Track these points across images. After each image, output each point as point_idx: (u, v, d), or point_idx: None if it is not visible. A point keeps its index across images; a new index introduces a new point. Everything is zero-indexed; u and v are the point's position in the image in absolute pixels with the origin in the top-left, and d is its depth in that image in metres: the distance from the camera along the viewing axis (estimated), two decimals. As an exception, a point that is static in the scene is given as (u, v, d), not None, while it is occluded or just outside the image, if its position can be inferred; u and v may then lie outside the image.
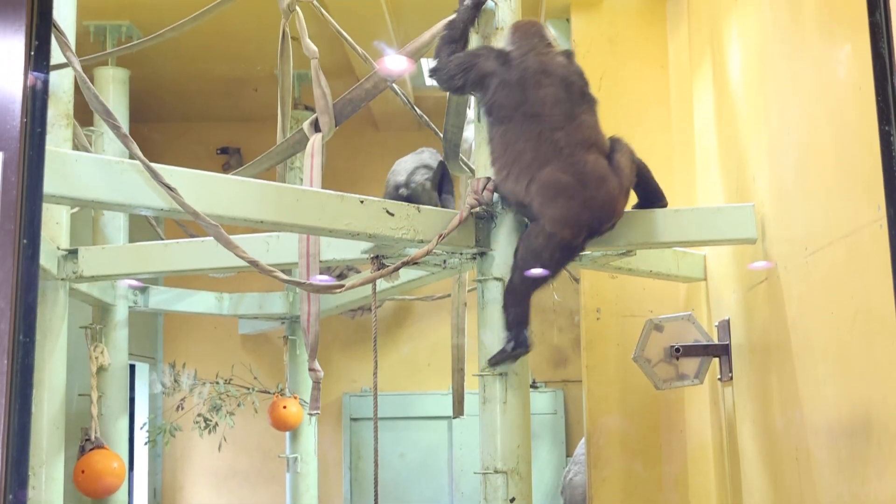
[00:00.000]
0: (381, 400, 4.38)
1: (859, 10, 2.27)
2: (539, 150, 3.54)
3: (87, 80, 3.52)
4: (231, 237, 3.37)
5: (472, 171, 4.49)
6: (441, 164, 5.40)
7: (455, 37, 3.74)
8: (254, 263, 3.37)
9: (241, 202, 3.38)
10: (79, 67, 3.52)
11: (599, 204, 3.58)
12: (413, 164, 5.29)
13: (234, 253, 3.33)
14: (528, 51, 3.67)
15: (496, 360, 3.69)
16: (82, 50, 5.29)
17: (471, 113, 4.42)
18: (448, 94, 4.30)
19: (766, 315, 3.81)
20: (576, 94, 3.64)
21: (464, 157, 4.80)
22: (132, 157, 3.27)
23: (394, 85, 4.45)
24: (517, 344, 3.67)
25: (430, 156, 5.42)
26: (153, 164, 3.18)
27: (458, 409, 5.15)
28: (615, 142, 3.72)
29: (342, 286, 3.60)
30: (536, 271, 3.63)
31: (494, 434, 3.73)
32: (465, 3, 3.79)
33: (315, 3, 4.28)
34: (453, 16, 3.86)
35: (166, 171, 3.21)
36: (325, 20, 4.39)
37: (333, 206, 3.52)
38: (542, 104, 3.57)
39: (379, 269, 4.05)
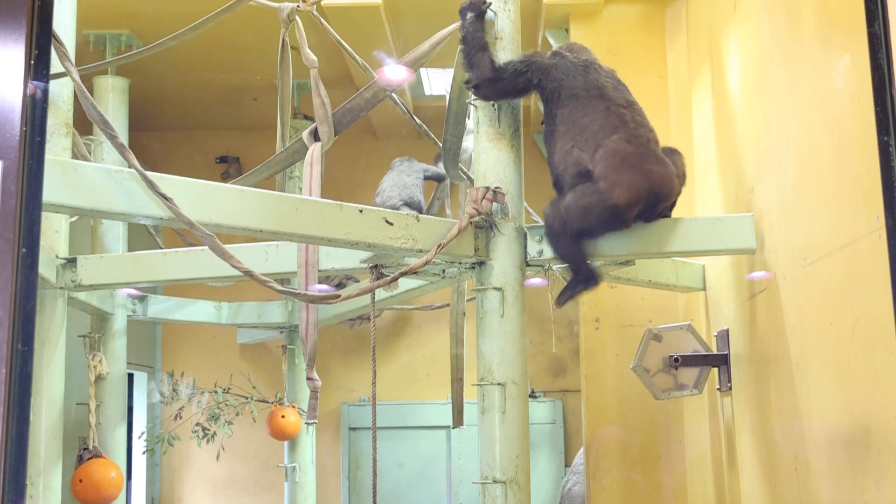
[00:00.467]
0: (380, 409, 4.38)
1: (858, 21, 2.27)
2: (607, 121, 3.71)
3: (85, 89, 3.52)
4: (228, 247, 3.36)
5: (471, 180, 4.49)
6: (419, 173, 5.44)
7: (481, 44, 3.84)
8: (249, 273, 3.36)
9: (241, 211, 3.38)
10: (77, 77, 3.52)
11: (658, 179, 3.70)
12: (389, 188, 5.37)
13: (230, 263, 3.33)
14: (579, 52, 3.95)
15: (566, 297, 3.81)
16: (82, 59, 5.30)
17: (470, 123, 4.42)
18: (448, 103, 4.31)
19: (765, 325, 3.81)
20: (627, 90, 3.86)
21: (463, 167, 4.80)
22: (129, 166, 3.27)
23: (393, 94, 4.46)
24: (587, 278, 3.79)
25: (406, 170, 5.46)
26: (150, 174, 3.18)
27: (458, 419, 5.13)
28: (671, 150, 3.90)
29: (339, 296, 3.59)
30: (579, 227, 3.70)
31: (493, 444, 3.72)
32: (468, 16, 3.84)
33: (315, 12, 4.29)
34: (456, 25, 3.89)
35: (165, 180, 3.21)
36: (325, 30, 4.40)
37: (332, 215, 3.52)
38: (605, 87, 3.79)
39: (378, 279, 4.05)
